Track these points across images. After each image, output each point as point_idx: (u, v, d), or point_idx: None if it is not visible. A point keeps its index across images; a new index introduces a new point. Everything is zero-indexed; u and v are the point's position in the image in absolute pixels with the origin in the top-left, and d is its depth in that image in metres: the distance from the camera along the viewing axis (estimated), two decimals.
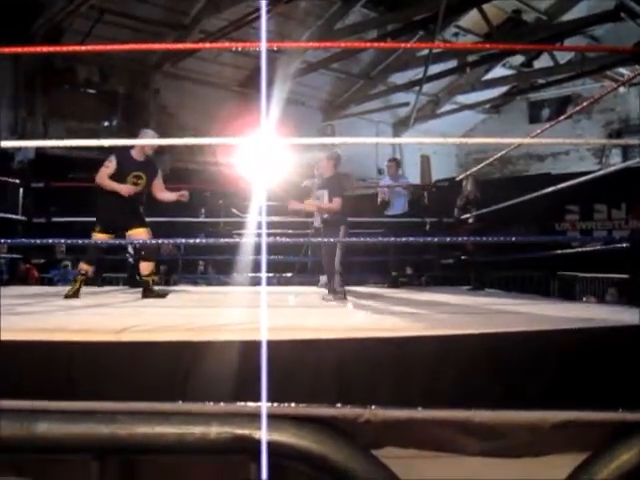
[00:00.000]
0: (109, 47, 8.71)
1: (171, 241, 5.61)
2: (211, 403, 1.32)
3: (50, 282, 11.29)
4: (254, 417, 1.28)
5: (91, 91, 14.39)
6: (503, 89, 19.26)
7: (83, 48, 11.93)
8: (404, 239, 6.42)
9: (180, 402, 1.34)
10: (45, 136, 13.24)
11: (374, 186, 15.16)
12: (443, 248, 9.43)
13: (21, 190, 8.87)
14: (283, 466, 1.29)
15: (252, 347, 2.44)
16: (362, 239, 6.38)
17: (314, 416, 1.31)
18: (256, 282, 5.81)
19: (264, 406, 1.34)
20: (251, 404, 1.32)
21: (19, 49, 3.87)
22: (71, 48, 9.82)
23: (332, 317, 4.08)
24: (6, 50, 3.56)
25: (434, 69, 16.09)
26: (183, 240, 5.80)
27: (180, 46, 13.16)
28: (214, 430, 1.28)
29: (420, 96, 17.17)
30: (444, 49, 15.27)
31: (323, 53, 15.59)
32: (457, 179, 9.11)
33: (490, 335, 2.93)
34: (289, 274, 10.49)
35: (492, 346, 2.90)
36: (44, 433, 1.31)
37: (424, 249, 9.32)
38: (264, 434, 1.31)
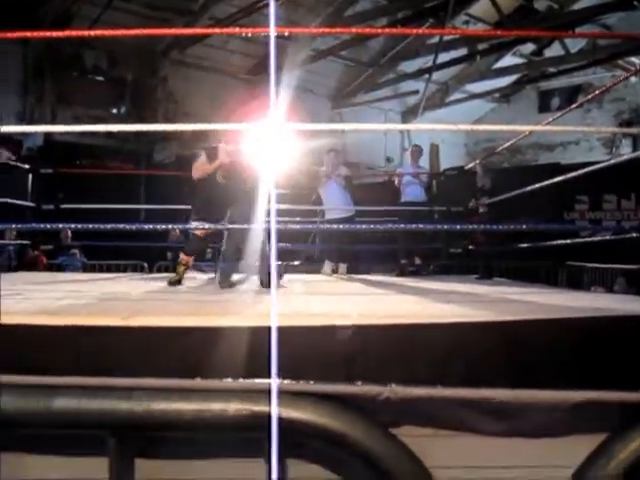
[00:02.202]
0: (118, 32, 8.66)
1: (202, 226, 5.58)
2: (229, 379, 1.31)
3: (59, 268, 11.28)
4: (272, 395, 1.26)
5: (99, 78, 14.36)
6: (513, 78, 19.14)
7: (92, 33, 11.87)
8: (414, 226, 6.41)
9: (199, 379, 1.33)
10: (53, 123, 13.21)
11: (382, 174, 15.15)
12: (451, 237, 9.39)
13: (30, 176, 8.88)
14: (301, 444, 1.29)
15: (262, 333, 2.42)
16: (372, 226, 6.32)
17: (333, 394, 1.30)
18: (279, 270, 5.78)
19: (274, 382, 1.32)
20: (269, 380, 1.30)
21: (27, 34, 3.83)
22: (79, 33, 9.78)
23: (342, 304, 4.07)
24: (15, 35, 3.54)
25: (444, 57, 16.01)
26: (210, 225, 5.78)
27: (189, 31, 13.08)
28: (232, 407, 1.27)
29: (429, 84, 17.09)
30: (454, 36, 15.17)
31: (332, 41, 15.51)
32: (466, 168, 9.08)
33: (499, 323, 2.91)
34: (296, 262, 10.47)
35: (501, 334, 2.88)
36: (61, 409, 1.30)
37: (433, 238, 9.28)
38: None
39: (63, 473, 1.52)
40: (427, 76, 16.67)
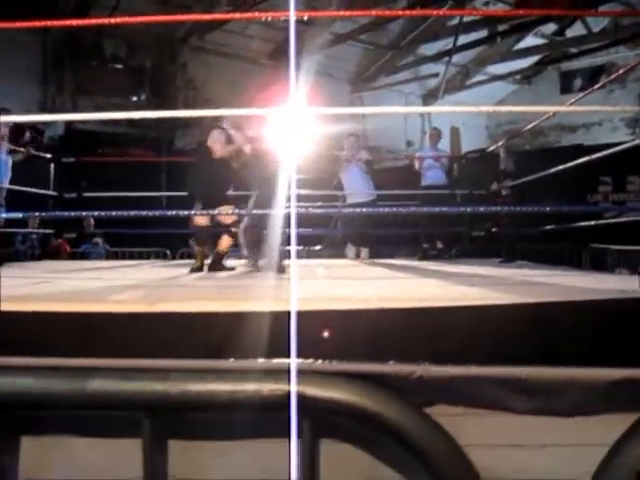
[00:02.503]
0: (137, 19, 8.62)
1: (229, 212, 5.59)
2: (262, 360, 1.31)
3: (82, 256, 11.37)
4: (306, 374, 1.26)
5: (118, 66, 14.39)
6: (534, 59, 18.93)
7: (111, 21, 11.88)
8: (437, 209, 6.39)
9: (232, 359, 1.33)
10: (74, 111, 13.27)
11: (403, 158, 15.07)
12: (474, 220, 9.35)
13: (52, 165, 8.94)
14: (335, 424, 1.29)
15: (284, 318, 2.43)
16: (394, 210, 6.30)
17: (366, 373, 1.29)
18: (286, 255, 5.78)
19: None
20: (305, 361, 1.30)
21: (48, 23, 3.85)
22: (99, 21, 9.76)
23: (364, 288, 4.06)
24: (35, 24, 3.56)
25: (464, 39, 15.86)
26: (236, 212, 5.79)
27: (208, 17, 13.09)
28: (266, 387, 1.27)
29: (450, 67, 16.96)
30: (475, 17, 15.02)
31: (351, 24, 15.41)
32: (488, 150, 9.01)
33: (525, 305, 2.88)
34: (318, 247, 10.48)
35: (526, 317, 2.85)
36: (96, 390, 1.31)
37: (455, 222, 9.23)
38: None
39: (98, 454, 1.54)
40: (447, 58, 16.54)
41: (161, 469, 1.44)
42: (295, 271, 4.77)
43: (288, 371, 1.31)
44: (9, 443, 1.49)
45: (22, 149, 7.52)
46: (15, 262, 7.77)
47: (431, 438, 1.29)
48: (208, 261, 5.85)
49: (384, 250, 9.30)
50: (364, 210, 7.62)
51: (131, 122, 13.11)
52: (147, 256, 10.89)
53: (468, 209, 7.29)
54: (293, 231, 5.15)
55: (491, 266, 6.56)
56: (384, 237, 9.99)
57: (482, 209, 5.75)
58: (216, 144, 5.88)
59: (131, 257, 10.99)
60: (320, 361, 1.34)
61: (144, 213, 5.81)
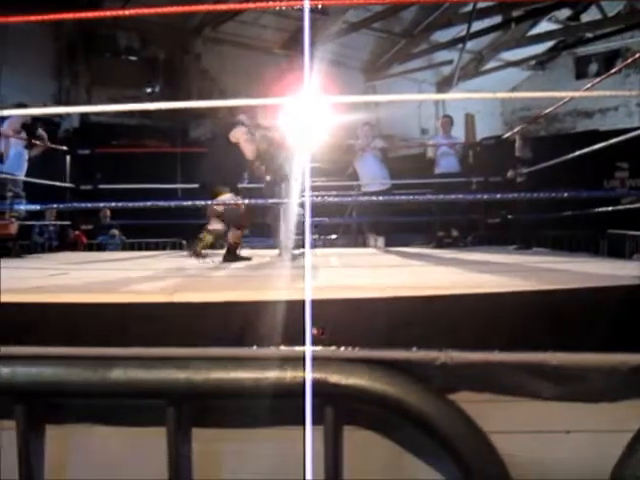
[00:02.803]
0: (150, 11, 8.63)
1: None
2: (284, 347, 1.32)
3: (99, 247, 11.45)
4: (328, 361, 1.27)
5: (132, 58, 14.43)
6: (549, 44, 18.77)
7: (126, 12, 11.88)
8: (453, 197, 6.37)
9: (255, 347, 1.34)
10: (88, 104, 13.33)
11: (417, 146, 15.01)
12: (490, 207, 9.30)
13: (68, 158, 8.99)
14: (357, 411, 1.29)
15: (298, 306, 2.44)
16: (411, 197, 6.28)
17: (389, 360, 1.29)
18: (301, 245, 5.79)
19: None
20: (327, 348, 1.31)
21: (61, 15, 3.86)
22: (111, 13, 9.72)
23: (380, 277, 4.06)
24: (50, 17, 3.57)
25: (478, 25, 15.75)
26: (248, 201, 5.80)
27: (222, 7, 13.04)
28: (289, 374, 1.27)
29: (464, 54, 16.86)
30: (488, 3, 14.90)
31: (364, 12, 15.35)
32: (503, 137, 8.96)
33: (543, 292, 2.87)
34: (334, 236, 10.49)
35: (546, 303, 2.84)
36: (119, 379, 1.32)
37: (470, 209, 9.20)
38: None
39: (122, 442, 1.55)
40: (461, 45, 16.45)
41: (185, 457, 1.45)
42: (310, 260, 4.77)
43: (310, 358, 1.31)
44: (35, 431, 1.50)
45: (39, 142, 7.55)
46: (33, 254, 7.82)
47: (456, 425, 1.28)
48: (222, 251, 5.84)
49: (399, 238, 9.27)
50: (379, 198, 7.62)
51: (145, 113, 13.14)
52: (163, 247, 10.93)
53: (485, 196, 7.23)
54: (308, 220, 5.14)
55: (507, 253, 6.54)
56: (399, 225, 9.97)
57: (498, 196, 5.70)
58: (247, 146, 5.80)
59: (147, 248, 11.04)
60: (342, 348, 1.34)
61: (161, 204, 5.86)
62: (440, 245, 8.23)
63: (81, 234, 11.30)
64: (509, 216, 7.98)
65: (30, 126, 7.38)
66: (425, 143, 10.78)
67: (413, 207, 10.40)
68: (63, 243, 9.82)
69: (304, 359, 1.31)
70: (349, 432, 1.42)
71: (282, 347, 1.37)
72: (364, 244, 8.98)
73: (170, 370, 1.34)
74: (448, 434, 1.27)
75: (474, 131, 17.32)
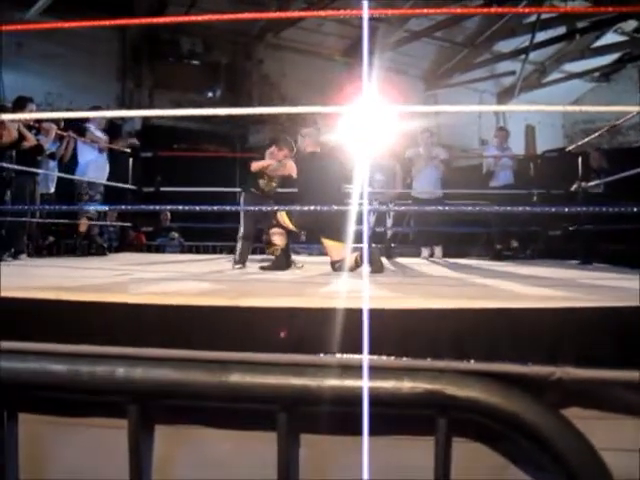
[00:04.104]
0: (213, 17, 8.78)
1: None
2: (404, 358, 1.30)
3: (157, 249, 11.61)
4: (444, 373, 1.25)
5: (194, 62, 14.61)
6: (614, 56, 18.40)
7: (187, 18, 12.00)
8: (520, 209, 6.27)
9: (369, 355, 1.32)
10: (150, 107, 13.57)
11: (476, 157, 14.86)
12: (551, 220, 9.13)
13: (130, 160, 9.15)
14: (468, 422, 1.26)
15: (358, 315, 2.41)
16: (477, 209, 6.20)
17: (502, 373, 1.27)
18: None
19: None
20: (442, 361, 1.29)
21: (127, 21, 3.92)
22: (175, 19, 9.86)
23: (440, 287, 4.00)
24: (115, 22, 3.63)
25: (541, 36, 15.55)
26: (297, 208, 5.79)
27: (283, 14, 13.13)
28: (407, 385, 1.26)
29: (526, 65, 16.66)
30: (552, 14, 14.71)
31: (426, 22, 15.28)
32: (567, 149, 8.81)
33: (613, 309, 2.79)
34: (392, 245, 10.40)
35: (609, 320, 2.76)
36: (237, 383, 1.32)
37: (531, 221, 9.05)
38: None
39: (230, 444, 1.55)
40: (524, 56, 16.25)
41: (293, 462, 1.44)
42: (367, 269, 4.76)
43: (429, 369, 1.29)
44: (146, 431, 1.51)
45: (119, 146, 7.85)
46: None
47: (570, 441, 1.25)
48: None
49: (454, 249, 9.17)
50: (439, 208, 7.55)
51: (206, 118, 13.28)
52: (220, 250, 11.02)
53: (552, 209, 7.09)
54: (365, 229, 5.12)
55: (568, 268, 6.38)
56: (454, 236, 9.87)
57: (566, 210, 5.58)
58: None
59: (205, 251, 11.15)
60: (455, 362, 1.32)
61: (226, 208, 5.92)
62: (498, 257, 8.10)
63: (140, 235, 11.48)
64: (570, 228, 7.80)
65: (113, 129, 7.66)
66: (483, 155, 10.66)
67: (468, 218, 10.30)
68: (123, 244, 9.96)
69: (418, 370, 1.29)
70: (458, 443, 1.39)
71: (404, 358, 1.35)
72: (419, 254, 8.90)
73: (286, 376, 1.34)
74: (562, 449, 1.24)
75: (534, 143, 17.07)
